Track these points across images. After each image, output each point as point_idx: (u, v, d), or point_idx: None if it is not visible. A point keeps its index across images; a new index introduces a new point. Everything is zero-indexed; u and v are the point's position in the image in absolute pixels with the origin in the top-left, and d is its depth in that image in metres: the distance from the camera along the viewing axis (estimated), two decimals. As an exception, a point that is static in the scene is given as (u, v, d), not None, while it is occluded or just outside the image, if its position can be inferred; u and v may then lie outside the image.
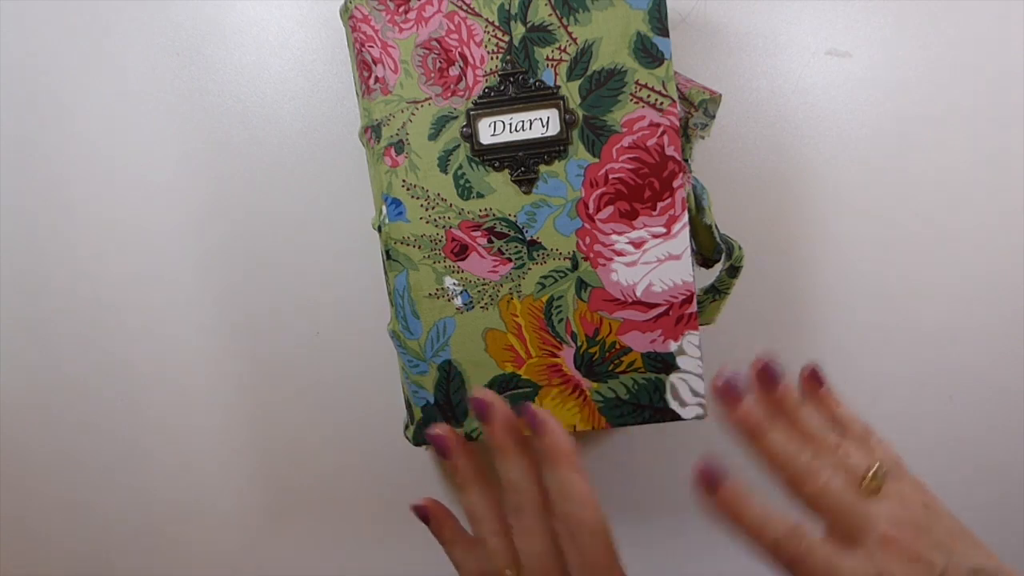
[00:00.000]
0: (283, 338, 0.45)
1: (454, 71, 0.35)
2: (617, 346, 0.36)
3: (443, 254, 0.36)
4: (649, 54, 0.34)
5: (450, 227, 0.36)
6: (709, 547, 0.45)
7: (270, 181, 0.43)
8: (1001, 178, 0.42)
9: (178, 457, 0.46)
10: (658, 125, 0.35)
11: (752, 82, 0.42)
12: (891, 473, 0.31)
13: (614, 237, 0.35)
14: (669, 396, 0.36)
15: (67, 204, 0.44)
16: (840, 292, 0.43)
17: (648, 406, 0.36)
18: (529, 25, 0.34)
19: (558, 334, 0.36)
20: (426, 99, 0.35)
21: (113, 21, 0.43)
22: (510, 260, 0.36)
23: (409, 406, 0.38)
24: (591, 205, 0.35)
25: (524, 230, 0.36)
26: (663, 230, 0.35)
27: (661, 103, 0.34)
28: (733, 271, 0.37)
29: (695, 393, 0.36)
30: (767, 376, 0.32)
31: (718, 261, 0.39)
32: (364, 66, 0.35)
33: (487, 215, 0.36)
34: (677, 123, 0.35)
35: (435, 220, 0.36)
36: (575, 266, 0.36)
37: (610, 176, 0.35)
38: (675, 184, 0.35)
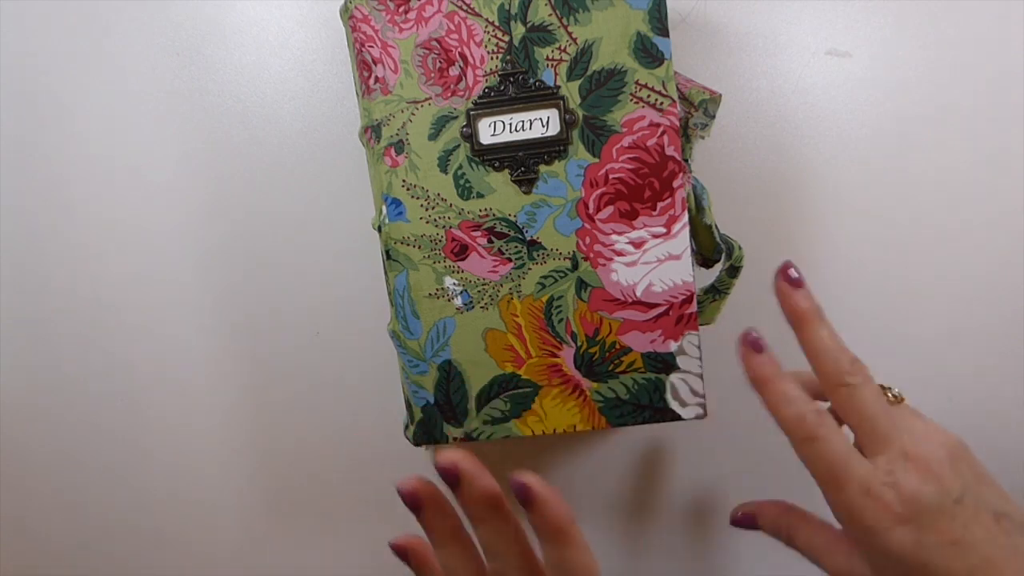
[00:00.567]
0: (283, 338, 0.45)
1: (454, 71, 0.35)
2: (617, 346, 0.36)
3: (443, 254, 0.36)
4: (649, 54, 0.34)
5: (450, 227, 0.36)
6: (709, 547, 0.45)
7: (270, 181, 0.43)
8: (1001, 178, 0.42)
9: (178, 456, 0.46)
10: (658, 125, 0.35)
11: (752, 82, 0.42)
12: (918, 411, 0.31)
13: (614, 237, 0.35)
14: (669, 396, 0.36)
15: (67, 204, 0.44)
16: (840, 292, 0.43)
17: (648, 406, 0.36)
18: (529, 25, 0.34)
19: (558, 334, 0.36)
20: (426, 99, 0.35)
21: (113, 21, 0.43)
22: (510, 260, 0.36)
23: (409, 406, 0.38)
24: (591, 205, 0.35)
25: (524, 230, 0.36)
26: (663, 230, 0.35)
27: (661, 103, 0.34)
28: (733, 271, 0.37)
29: (695, 393, 0.36)
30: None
31: (718, 261, 0.39)
32: (364, 66, 0.36)
33: (487, 215, 0.36)
34: (677, 123, 0.35)
35: (435, 220, 0.36)
36: (575, 266, 0.36)
37: (610, 176, 0.35)
38: (675, 184, 0.35)
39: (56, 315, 0.45)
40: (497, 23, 0.35)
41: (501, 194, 0.35)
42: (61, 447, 0.46)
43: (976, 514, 0.28)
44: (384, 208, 0.36)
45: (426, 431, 0.38)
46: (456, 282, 0.36)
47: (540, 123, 0.35)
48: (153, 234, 0.44)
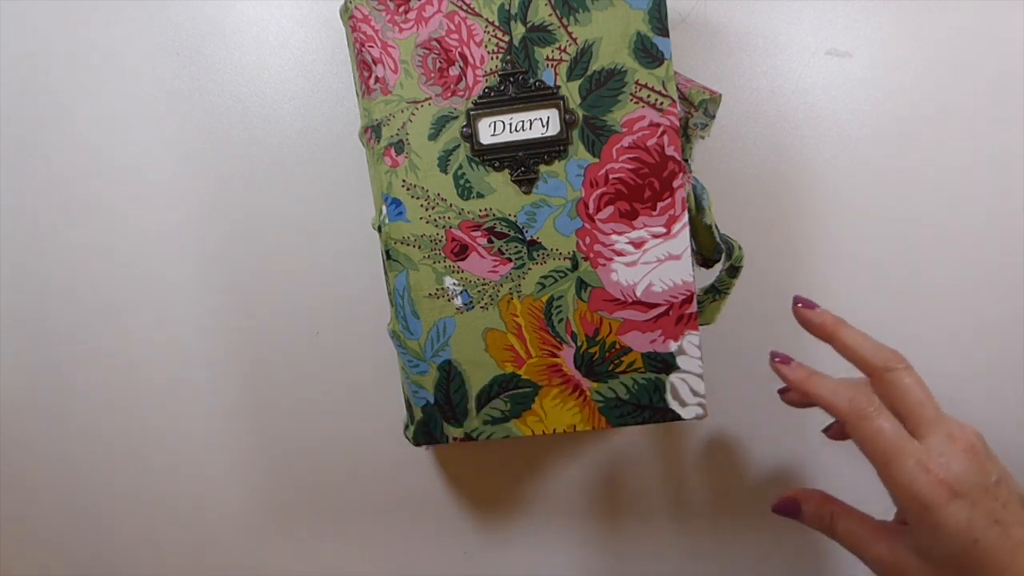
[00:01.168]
0: (283, 338, 0.45)
1: (454, 71, 0.35)
2: (617, 346, 0.36)
3: (443, 254, 0.36)
4: (649, 54, 0.34)
5: (450, 227, 0.36)
6: (709, 547, 0.45)
7: (270, 181, 0.43)
8: (1001, 178, 0.42)
9: (177, 455, 0.46)
10: (658, 125, 0.35)
11: (752, 82, 0.42)
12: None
13: (614, 237, 0.35)
14: (669, 396, 0.36)
15: (67, 204, 0.44)
16: (840, 292, 0.43)
17: (648, 406, 0.36)
18: (529, 25, 0.34)
19: (558, 334, 0.36)
20: (426, 99, 0.35)
21: (113, 21, 0.43)
22: (510, 260, 0.36)
23: (409, 406, 0.38)
24: (591, 205, 0.35)
25: (524, 230, 0.36)
26: (663, 230, 0.35)
27: (661, 103, 0.34)
28: (733, 271, 0.37)
29: (695, 393, 0.36)
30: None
31: (718, 261, 0.39)
32: (364, 66, 0.36)
33: (487, 215, 0.36)
34: (677, 123, 0.35)
35: (435, 220, 0.36)
36: (575, 266, 0.36)
37: (610, 176, 0.35)
38: (675, 184, 0.35)
39: (56, 315, 0.45)
40: (497, 23, 0.35)
41: (501, 194, 0.35)
42: (61, 447, 0.46)
43: (1009, 497, 0.30)
44: (384, 208, 0.36)
45: (426, 431, 0.38)
46: (456, 282, 0.36)
47: (540, 123, 0.35)
48: (153, 234, 0.44)
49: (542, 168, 0.35)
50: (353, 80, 0.37)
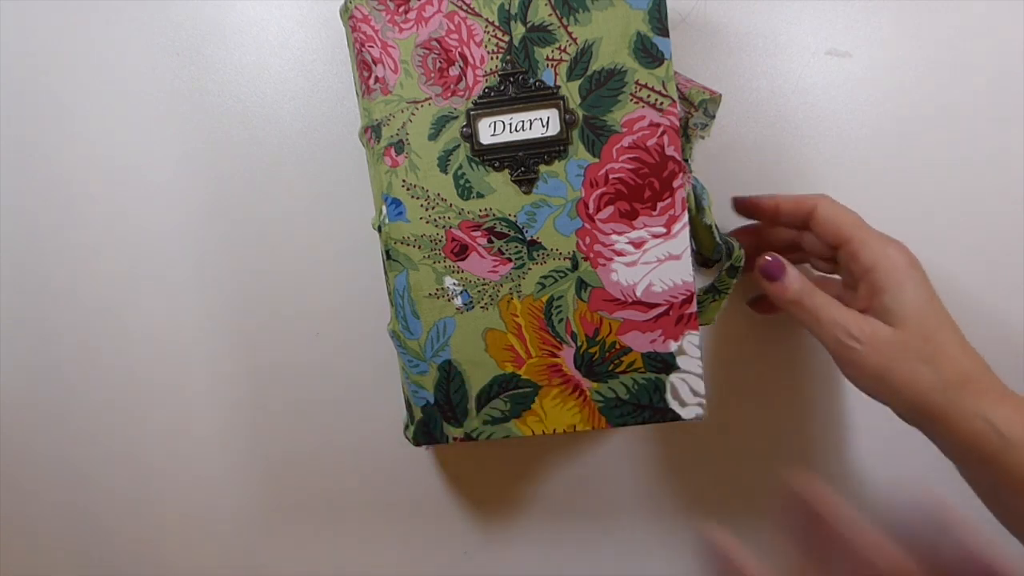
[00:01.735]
0: (283, 338, 0.45)
1: (454, 71, 0.35)
2: (617, 346, 0.36)
3: (443, 254, 0.36)
4: (649, 54, 0.34)
5: (450, 227, 0.36)
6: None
7: (270, 181, 0.43)
8: (1001, 178, 0.42)
9: (177, 455, 0.46)
10: (658, 125, 0.35)
11: (752, 82, 0.42)
12: None
13: (614, 237, 0.35)
14: (669, 396, 0.36)
15: (67, 204, 0.44)
16: (840, 292, 0.43)
17: (648, 406, 0.36)
18: (529, 25, 0.34)
19: (558, 334, 0.36)
20: (426, 99, 0.35)
21: (113, 21, 0.43)
22: (510, 260, 0.36)
23: (409, 406, 0.38)
24: (591, 205, 0.35)
25: (524, 230, 0.36)
26: (663, 230, 0.35)
27: (661, 103, 0.34)
28: (733, 271, 0.37)
29: (695, 393, 0.36)
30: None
31: (718, 261, 0.39)
32: (364, 66, 0.35)
33: (487, 215, 0.36)
34: (677, 123, 0.35)
35: (435, 220, 0.36)
36: (575, 266, 0.36)
37: (610, 176, 0.35)
38: (675, 184, 0.35)
39: (56, 315, 0.45)
40: (497, 23, 0.35)
41: (501, 194, 0.35)
42: (61, 447, 0.46)
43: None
44: (384, 208, 0.36)
45: (426, 431, 0.38)
46: (456, 282, 0.36)
47: (540, 123, 0.35)
48: (153, 234, 0.44)
49: (542, 168, 0.35)
50: (353, 80, 0.37)
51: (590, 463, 0.45)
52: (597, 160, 0.35)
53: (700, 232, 0.37)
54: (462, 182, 0.36)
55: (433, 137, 0.35)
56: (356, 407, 0.45)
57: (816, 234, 0.37)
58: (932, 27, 0.41)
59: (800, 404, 0.43)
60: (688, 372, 0.36)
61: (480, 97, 0.35)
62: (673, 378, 0.36)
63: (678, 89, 0.37)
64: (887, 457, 0.43)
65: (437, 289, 0.36)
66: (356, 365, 0.44)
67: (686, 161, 0.36)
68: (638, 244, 0.35)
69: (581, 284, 0.36)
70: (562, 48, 0.34)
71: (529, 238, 0.36)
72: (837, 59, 0.41)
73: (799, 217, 0.37)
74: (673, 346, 0.36)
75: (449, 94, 0.35)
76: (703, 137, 0.38)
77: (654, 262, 0.35)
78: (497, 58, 0.35)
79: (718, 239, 0.38)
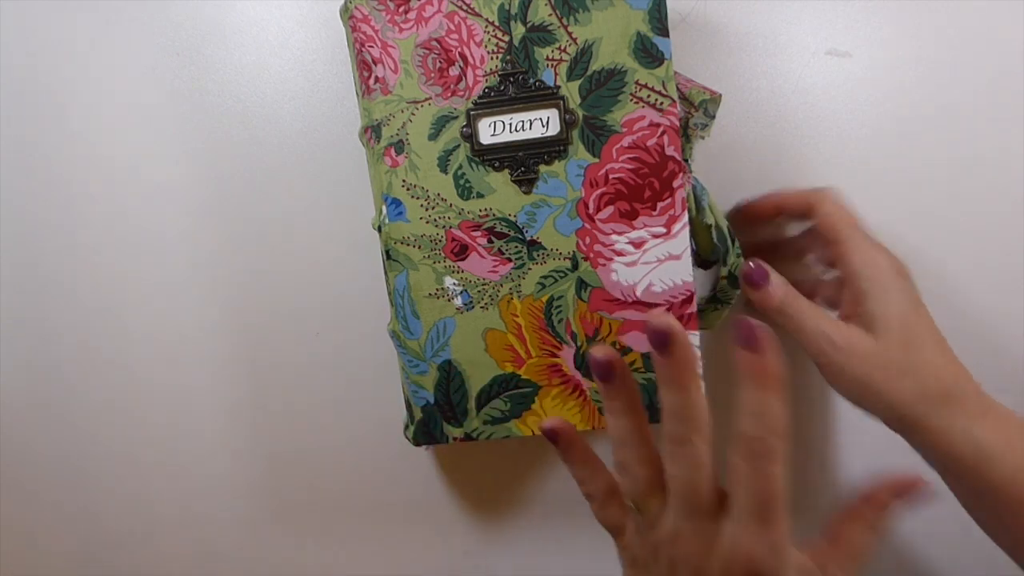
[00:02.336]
0: (282, 338, 0.45)
1: (454, 71, 0.35)
2: (617, 346, 0.36)
3: (443, 254, 0.36)
4: (649, 54, 0.34)
5: (450, 227, 0.36)
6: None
7: (270, 181, 0.43)
8: (1001, 178, 0.42)
9: (177, 455, 0.46)
10: (658, 125, 0.35)
11: (752, 82, 0.42)
12: None
13: (614, 237, 0.35)
14: (669, 396, 0.36)
15: (67, 204, 0.44)
16: (840, 292, 0.42)
17: (648, 406, 0.36)
18: (529, 25, 0.34)
19: (558, 334, 0.36)
20: (426, 99, 0.35)
21: (113, 21, 0.43)
22: (510, 260, 0.36)
23: (409, 406, 0.38)
24: (591, 205, 0.35)
25: (524, 230, 0.36)
26: (663, 230, 0.35)
27: (661, 103, 0.34)
28: (733, 281, 0.37)
29: (695, 393, 0.36)
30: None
31: (715, 262, 0.39)
32: (364, 66, 0.35)
33: (487, 215, 0.36)
34: (677, 123, 0.35)
35: (435, 220, 0.36)
36: (575, 266, 0.36)
37: (610, 176, 0.35)
38: (675, 184, 0.35)
39: (56, 315, 0.45)
40: (497, 23, 0.35)
41: (501, 194, 0.35)
42: (61, 447, 0.46)
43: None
44: (384, 208, 0.36)
45: (426, 431, 0.38)
46: (456, 282, 0.36)
47: (540, 123, 0.35)
48: (153, 234, 0.44)
49: (542, 168, 0.35)
50: (353, 80, 0.37)
51: (590, 463, 0.45)
52: (597, 160, 0.35)
53: (699, 232, 0.37)
54: (462, 182, 0.36)
55: (433, 137, 0.35)
56: (356, 407, 0.45)
57: (816, 227, 0.37)
58: (932, 27, 0.41)
59: (800, 404, 0.43)
60: (688, 372, 0.36)
61: (480, 97, 0.35)
62: (673, 378, 0.36)
63: (678, 89, 0.37)
64: (887, 458, 0.43)
65: (437, 289, 0.36)
66: (356, 365, 0.44)
67: (686, 161, 0.36)
68: (638, 244, 0.35)
69: (581, 284, 0.36)
70: (562, 48, 0.34)
71: (529, 238, 0.36)
72: (837, 59, 0.41)
73: (802, 208, 0.37)
74: (673, 346, 0.36)
75: (449, 94, 0.35)
76: (703, 137, 0.38)
77: (654, 262, 0.35)
78: (497, 58, 0.35)
79: (715, 240, 0.38)
